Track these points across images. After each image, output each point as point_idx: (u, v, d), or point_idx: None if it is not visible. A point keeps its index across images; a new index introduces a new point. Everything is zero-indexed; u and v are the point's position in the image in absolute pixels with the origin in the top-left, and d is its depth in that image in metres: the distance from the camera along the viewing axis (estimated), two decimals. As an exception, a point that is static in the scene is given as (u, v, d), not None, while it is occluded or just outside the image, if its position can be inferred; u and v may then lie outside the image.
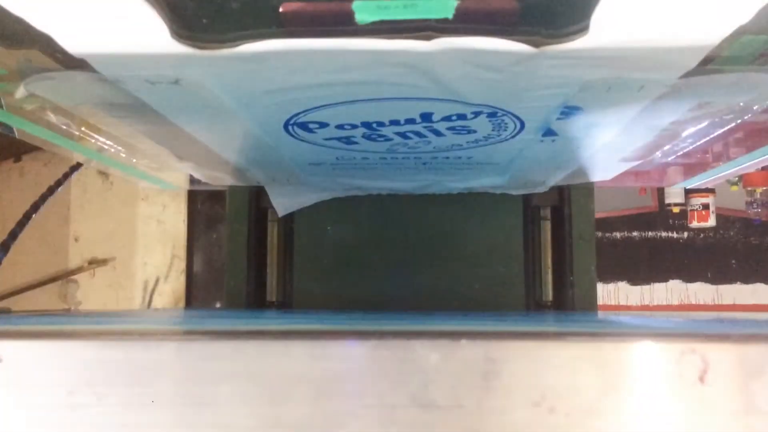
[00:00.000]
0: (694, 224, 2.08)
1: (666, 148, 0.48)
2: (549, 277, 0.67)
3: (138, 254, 1.84)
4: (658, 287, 2.24)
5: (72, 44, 0.27)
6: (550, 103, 0.36)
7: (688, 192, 2.11)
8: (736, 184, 2.04)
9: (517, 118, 0.40)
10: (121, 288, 1.84)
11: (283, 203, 0.65)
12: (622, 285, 2.22)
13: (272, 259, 0.68)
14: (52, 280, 1.85)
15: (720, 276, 2.22)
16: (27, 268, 1.81)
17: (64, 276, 1.87)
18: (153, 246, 1.83)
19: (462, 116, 0.39)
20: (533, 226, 0.68)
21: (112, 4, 0.25)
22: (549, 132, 0.43)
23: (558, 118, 0.39)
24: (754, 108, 0.38)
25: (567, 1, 0.26)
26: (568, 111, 0.38)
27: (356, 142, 0.46)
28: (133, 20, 0.26)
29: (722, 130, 0.42)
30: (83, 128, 0.43)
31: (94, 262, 1.86)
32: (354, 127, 0.42)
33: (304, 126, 0.42)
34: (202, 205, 1.83)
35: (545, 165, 0.53)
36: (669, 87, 0.33)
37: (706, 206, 2.08)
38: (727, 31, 0.26)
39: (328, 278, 0.67)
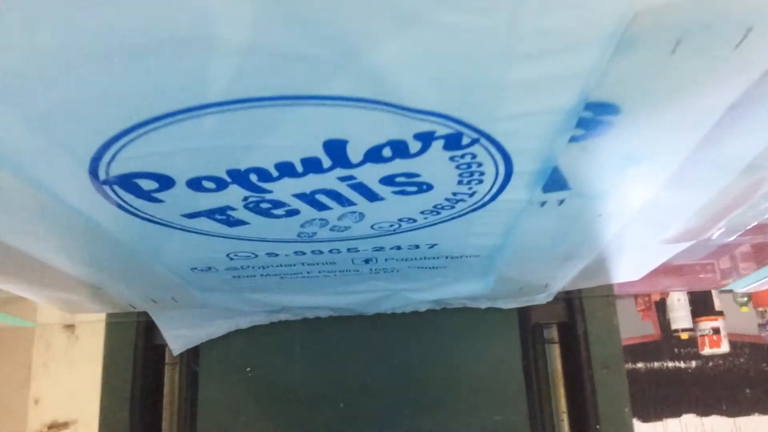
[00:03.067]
0: (707, 351, 1.92)
1: (737, 213, 0.30)
2: (565, 427, 0.47)
3: None
4: (672, 423, 2.08)
5: None
6: (557, 98, 0.19)
7: (695, 316, 1.98)
8: (745, 305, 1.91)
9: (497, 146, 0.22)
10: (83, 455, 1.63)
11: (179, 336, 0.46)
12: (633, 423, 2.01)
13: (170, 417, 0.48)
14: (7, 448, 1.65)
15: (736, 407, 2.08)
16: None
17: (21, 443, 1.67)
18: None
19: (400, 147, 0.22)
20: (536, 353, 0.49)
21: None
22: (555, 181, 0.25)
23: (573, 139, 0.21)
24: None
25: None
26: (592, 118, 0.20)
27: (242, 221, 0.28)
28: None
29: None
30: None
31: (54, 427, 1.68)
32: (220, 184, 0.24)
33: (129, 185, 0.24)
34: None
35: (549, 254, 0.35)
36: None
37: (716, 330, 1.94)
38: None
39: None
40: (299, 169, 0.23)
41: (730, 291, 0.44)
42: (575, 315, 0.47)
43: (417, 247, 0.33)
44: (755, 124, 0.22)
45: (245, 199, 0.26)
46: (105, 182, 0.23)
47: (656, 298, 1.55)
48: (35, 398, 1.78)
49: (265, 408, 0.48)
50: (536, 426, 0.47)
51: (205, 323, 0.46)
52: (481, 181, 0.25)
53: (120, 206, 0.26)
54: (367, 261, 0.36)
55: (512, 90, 0.18)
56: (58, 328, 1.72)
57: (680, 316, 1.94)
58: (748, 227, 0.33)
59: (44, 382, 1.75)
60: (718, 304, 1.63)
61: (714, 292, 1.55)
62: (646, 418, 2.09)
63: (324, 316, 0.47)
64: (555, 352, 0.50)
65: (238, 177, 0.24)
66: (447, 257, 0.35)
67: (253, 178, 0.24)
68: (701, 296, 1.50)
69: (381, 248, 0.33)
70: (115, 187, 0.24)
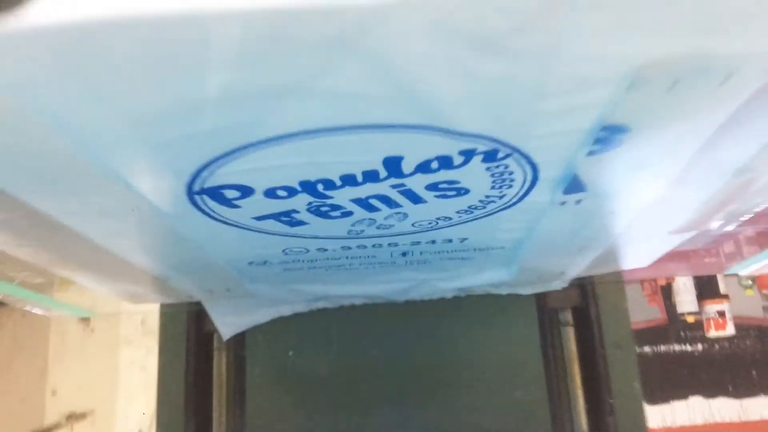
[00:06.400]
0: (712, 333, 1.94)
1: (732, 207, 0.34)
2: (580, 402, 0.52)
3: (119, 405, 1.71)
4: (679, 406, 2.09)
5: None
6: (578, 122, 0.23)
7: (701, 299, 2.00)
8: (750, 287, 1.92)
9: (527, 159, 0.26)
10: (101, 444, 1.69)
11: (228, 323, 0.50)
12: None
13: (219, 398, 0.53)
14: (27, 438, 1.71)
15: (742, 389, 2.08)
16: (1, 427, 1.67)
17: (41, 434, 1.73)
18: (135, 395, 1.70)
19: (446, 161, 0.26)
20: (553, 335, 0.53)
21: None
22: (574, 185, 0.29)
23: (590, 152, 0.26)
24: None
25: None
26: (607, 137, 0.25)
27: (303, 222, 0.33)
28: None
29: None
30: None
31: (73, 417, 1.74)
32: (292, 192, 0.29)
33: (217, 195, 0.28)
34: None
35: (566, 246, 0.40)
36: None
37: (722, 313, 1.95)
38: None
39: (289, 420, 0.51)
40: (359, 179, 0.28)
41: (735, 275, 0.47)
42: (588, 299, 0.51)
43: (450, 241, 0.38)
44: (743, 136, 0.26)
45: (309, 203, 0.30)
46: (197, 192, 0.28)
47: (662, 282, 1.59)
48: (52, 389, 1.83)
49: (304, 388, 0.52)
50: (554, 401, 0.51)
51: (252, 311, 0.51)
52: (511, 186, 0.29)
53: (202, 211, 0.30)
54: (404, 254, 0.40)
55: (542, 116, 0.23)
56: (73, 321, 1.77)
57: (686, 299, 1.97)
58: (744, 218, 0.37)
59: (61, 374, 1.80)
60: (723, 288, 1.66)
61: (719, 276, 1.58)
62: (653, 401, 2.11)
63: (358, 304, 0.51)
64: (570, 334, 0.54)
65: (308, 186, 0.28)
66: (475, 249, 0.40)
67: (320, 187, 0.28)
68: (706, 280, 1.53)
69: (418, 242, 0.38)
70: (204, 197, 0.28)
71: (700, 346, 2.13)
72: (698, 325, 2.03)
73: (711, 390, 2.11)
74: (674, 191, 0.31)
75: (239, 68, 0.19)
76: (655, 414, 2.12)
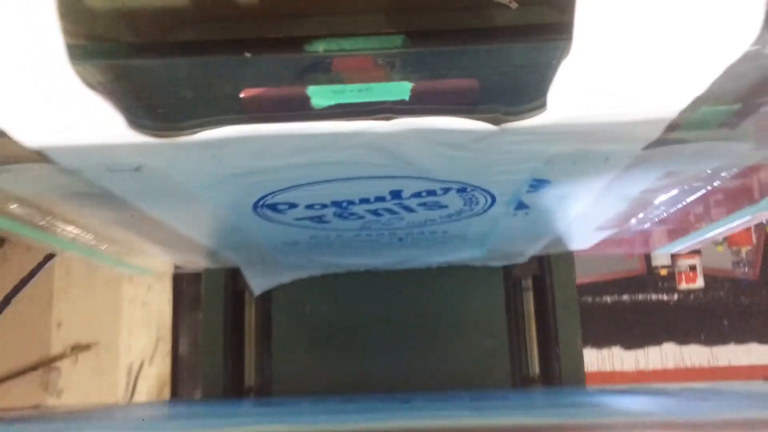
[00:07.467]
0: (683, 286, 2.07)
1: (640, 216, 0.47)
2: (534, 350, 0.66)
3: (122, 338, 1.80)
4: (653, 351, 2.20)
5: (26, 137, 0.27)
6: (517, 177, 0.36)
7: (675, 254, 2.11)
8: (721, 244, 2.05)
9: (488, 192, 0.39)
10: (105, 374, 1.79)
11: (258, 283, 0.64)
12: (616, 350, 2.19)
13: (250, 341, 0.66)
14: (34, 368, 1.80)
15: (713, 337, 2.19)
16: (8, 356, 1.76)
17: (47, 363, 1.82)
18: (137, 329, 1.80)
19: (432, 192, 0.39)
20: (515, 298, 0.67)
21: (64, 97, 0.24)
22: (521, 205, 0.42)
23: (528, 191, 0.39)
24: (722, 175, 0.38)
25: (523, 80, 0.26)
26: (537, 184, 0.37)
27: (328, 222, 0.45)
28: (88, 112, 0.25)
29: (693, 197, 0.42)
30: (48, 218, 0.42)
31: (77, 348, 1.82)
32: (324, 206, 0.41)
33: (273, 207, 0.41)
34: (188, 285, 1.79)
35: (521, 237, 0.53)
36: (634, 158, 0.33)
37: (693, 267, 2.07)
38: (684, 104, 0.26)
39: (306, 360, 0.65)
40: (372, 200, 0.40)
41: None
42: (544, 271, 0.65)
43: (434, 233, 0.51)
44: (630, 182, 0.39)
45: (335, 212, 0.43)
46: (259, 207, 0.41)
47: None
48: (57, 322, 1.94)
49: (318, 335, 0.66)
50: (514, 349, 0.65)
51: (278, 274, 0.64)
52: (477, 204, 0.42)
53: (260, 216, 0.43)
54: (400, 239, 0.53)
55: (493, 174, 0.35)
56: (76, 257, 1.86)
57: (659, 253, 2.09)
58: (654, 221, 0.50)
59: (65, 307, 1.91)
60: (695, 244, 1.75)
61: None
62: (629, 346, 2.25)
63: (363, 270, 0.65)
64: (529, 297, 0.68)
65: (336, 203, 0.41)
66: (454, 237, 0.53)
67: (344, 204, 0.41)
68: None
69: (411, 233, 0.51)
70: (264, 209, 0.41)
71: (675, 296, 2.26)
72: (672, 277, 2.17)
73: (684, 337, 2.25)
74: (593, 207, 0.44)
75: (307, 153, 0.31)
76: (629, 358, 2.27)
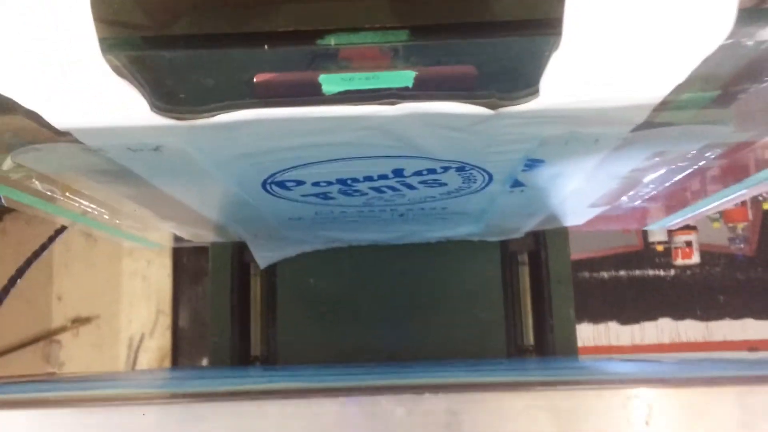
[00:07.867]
0: (679, 261, 2.09)
1: (631, 193, 0.50)
2: (529, 322, 0.69)
3: (122, 311, 1.83)
4: (648, 326, 2.23)
5: (58, 119, 0.29)
6: (513, 157, 0.38)
7: (671, 230, 2.14)
8: (717, 220, 2.07)
9: (485, 171, 0.41)
10: (106, 346, 1.82)
11: (264, 256, 0.66)
12: (612, 325, 2.22)
13: (255, 313, 0.69)
14: (35, 341, 1.83)
15: (709, 312, 2.21)
16: (9, 329, 1.78)
17: (47, 336, 1.85)
18: (137, 302, 1.82)
19: (432, 171, 0.41)
20: (512, 272, 0.70)
21: (95, 83, 0.26)
22: (517, 183, 0.45)
23: (523, 170, 0.41)
24: (707, 155, 0.40)
25: (518, 68, 0.28)
26: (532, 164, 0.40)
27: (333, 198, 0.48)
28: (115, 96, 0.27)
29: (681, 176, 0.45)
30: (67, 193, 0.45)
31: (78, 321, 1.84)
32: (330, 183, 0.44)
33: (281, 184, 0.43)
34: (187, 259, 1.82)
35: (518, 213, 0.55)
36: (622, 139, 0.35)
37: (689, 243, 2.09)
38: (666, 91, 0.28)
39: (310, 330, 0.67)
40: (375, 177, 0.43)
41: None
42: (540, 246, 0.68)
43: (434, 209, 0.53)
44: (620, 162, 0.41)
45: (339, 189, 0.45)
46: (269, 184, 0.43)
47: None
48: (58, 295, 1.96)
49: (321, 307, 0.69)
50: (509, 321, 0.68)
51: (283, 248, 0.66)
52: (475, 182, 0.44)
53: (268, 192, 0.45)
54: (401, 215, 0.55)
55: (491, 154, 0.38)
56: (76, 232, 1.88)
57: (656, 229, 2.11)
58: (645, 198, 0.53)
59: (66, 281, 1.93)
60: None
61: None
62: (625, 321, 2.27)
63: (365, 245, 0.67)
64: (525, 272, 0.70)
65: (341, 180, 0.43)
66: (453, 213, 0.55)
67: (349, 181, 0.43)
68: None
69: (411, 209, 0.53)
70: (272, 186, 0.43)
71: (672, 272, 2.28)
72: (668, 253, 2.19)
73: (679, 312, 2.27)
74: (585, 184, 0.46)
75: (317, 135, 0.33)
76: (625, 333, 2.30)
